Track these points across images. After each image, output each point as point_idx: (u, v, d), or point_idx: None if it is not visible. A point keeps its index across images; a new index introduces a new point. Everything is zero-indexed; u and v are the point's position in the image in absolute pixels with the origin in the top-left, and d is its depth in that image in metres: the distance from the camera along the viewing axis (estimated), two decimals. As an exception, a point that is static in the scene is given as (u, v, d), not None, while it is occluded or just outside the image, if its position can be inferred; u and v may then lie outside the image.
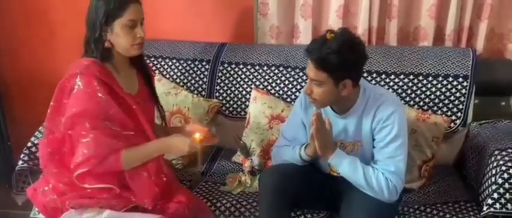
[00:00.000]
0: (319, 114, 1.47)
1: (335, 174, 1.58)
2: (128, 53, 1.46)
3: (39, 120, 1.95)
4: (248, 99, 2.14)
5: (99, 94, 1.38)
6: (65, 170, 1.45)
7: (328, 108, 1.58)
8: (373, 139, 1.50)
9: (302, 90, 1.57)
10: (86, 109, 1.38)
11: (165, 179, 1.54)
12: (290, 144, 1.65)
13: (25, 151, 1.84)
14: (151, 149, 1.47)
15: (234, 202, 1.70)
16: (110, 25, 1.40)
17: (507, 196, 1.47)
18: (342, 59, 1.37)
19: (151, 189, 1.47)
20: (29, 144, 1.86)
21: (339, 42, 1.38)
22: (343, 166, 1.48)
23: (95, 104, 1.38)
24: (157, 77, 2.22)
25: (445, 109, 1.94)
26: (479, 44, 2.09)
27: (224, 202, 1.71)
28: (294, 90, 2.11)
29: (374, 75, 2.02)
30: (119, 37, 1.42)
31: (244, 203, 1.70)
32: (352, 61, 1.41)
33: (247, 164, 1.88)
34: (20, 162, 1.83)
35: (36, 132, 1.90)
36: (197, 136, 1.43)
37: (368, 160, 1.52)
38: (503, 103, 2.02)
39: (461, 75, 1.93)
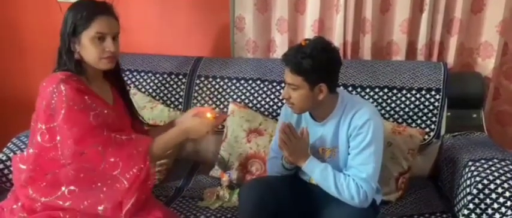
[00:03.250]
0: (287, 125, 1.52)
1: (314, 183, 1.59)
2: (97, 65, 1.43)
3: (7, 137, 1.90)
4: (226, 113, 2.13)
5: (86, 100, 1.37)
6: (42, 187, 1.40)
7: (308, 116, 1.60)
8: (349, 146, 1.52)
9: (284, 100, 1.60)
10: (88, 127, 1.35)
11: (143, 196, 1.50)
12: (278, 156, 1.66)
13: (-8, 169, 1.77)
14: (172, 138, 1.47)
15: (212, 217, 1.67)
16: (78, 37, 1.37)
17: (482, 206, 1.50)
18: (315, 63, 1.41)
19: (129, 197, 1.43)
20: (-3, 161, 1.78)
21: (313, 47, 1.43)
22: (316, 173, 1.50)
23: (86, 116, 1.35)
24: (132, 91, 2.19)
25: (419, 121, 1.98)
26: (450, 58, 2.15)
27: (202, 217, 1.68)
28: (271, 103, 2.12)
29: (350, 89, 2.04)
30: (86, 49, 1.39)
31: (222, 218, 1.67)
32: (326, 65, 1.45)
33: (225, 179, 1.86)
34: (-13, 180, 1.75)
35: (4, 149, 1.83)
36: (209, 115, 1.48)
37: (345, 165, 1.54)
38: (475, 116, 2.07)
39: (434, 88, 1.98)
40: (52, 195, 1.38)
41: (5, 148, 1.83)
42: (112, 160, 1.36)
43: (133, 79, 2.26)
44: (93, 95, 1.41)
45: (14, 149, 1.81)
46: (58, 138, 1.36)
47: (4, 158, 1.78)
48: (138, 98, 2.14)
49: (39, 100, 1.38)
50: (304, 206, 1.62)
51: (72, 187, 1.38)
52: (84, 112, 1.35)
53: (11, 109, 2.61)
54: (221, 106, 2.16)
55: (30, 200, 1.41)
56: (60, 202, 1.38)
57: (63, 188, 1.38)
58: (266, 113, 2.11)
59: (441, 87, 1.98)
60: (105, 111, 1.42)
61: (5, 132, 1.99)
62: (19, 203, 1.43)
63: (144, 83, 2.25)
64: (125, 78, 2.22)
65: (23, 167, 1.45)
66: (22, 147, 1.80)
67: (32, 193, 1.40)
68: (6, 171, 1.76)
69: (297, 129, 1.57)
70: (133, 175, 1.37)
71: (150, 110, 2.12)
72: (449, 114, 2.03)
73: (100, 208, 1.37)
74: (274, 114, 2.10)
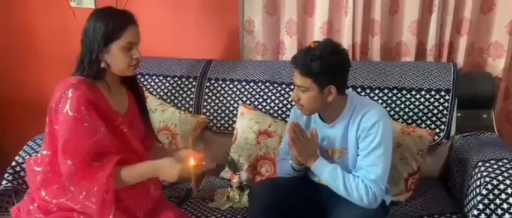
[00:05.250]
0: (296, 124, 1.53)
1: (323, 184, 1.60)
2: (123, 73, 1.46)
3: (23, 140, 1.95)
4: (235, 115, 2.16)
5: (86, 119, 1.35)
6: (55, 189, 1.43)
7: (317, 117, 1.61)
8: (358, 147, 1.53)
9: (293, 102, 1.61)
10: (70, 139, 1.34)
11: (157, 193, 1.52)
12: (287, 157, 1.67)
13: (9, 171, 1.82)
14: (140, 171, 1.43)
15: (222, 218, 1.70)
16: (107, 46, 1.39)
17: (492, 206, 1.50)
18: (324, 65, 1.42)
19: (145, 203, 1.46)
20: (14, 163, 1.83)
21: (322, 49, 1.44)
22: (325, 174, 1.52)
23: (80, 133, 1.35)
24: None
25: (428, 122, 1.97)
26: (460, 59, 2.15)
27: (212, 218, 1.71)
28: (280, 105, 2.13)
29: (359, 90, 2.05)
30: (115, 58, 1.41)
31: (232, 219, 1.70)
32: (335, 67, 1.46)
33: (235, 180, 1.88)
34: (4, 182, 1.80)
35: (21, 151, 1.87)
36: (191, 163, 1.38)
37: (354, 167, 1.55)
38: (485, 116, 2.06)
39: (444, 88, 1.98)
40: (63, 197, 1.41)
41: (21, 151, 1.87)
42: (72, 189, 1.38)
43: (145, 83, 2.30)
44: (100, 108, 1.40)
45: (30, 152, 1.86)
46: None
47: (20, 160, 1.83)
48: (149, 101, 2.17)
49: (51, 103, 1.41)
50: (314, 207, 1.63)
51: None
52: (78, 124, 1.34)
53: (26, 112, 2.66)
54: (231, 108, 2.19)
55: (45, 202, 1.44)
56: (71, 204, 1.41)
57: (72, 190, 1.40)
58: (275, 115, 2.13)
59: (451, 87, 1.98)
60: (101, 130, 1.38)
61: (21, 134, 2.04)
62: (35, 205, 1.46)
63: (156, 86, 2.29)
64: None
65: (38, 169, 1.48)
66: (37, 149, 1.85)
67: (45, 195, 1.43)
68: (22, 173, 1.81)
69: (306, 131, 1.59)
70: (96, 201, 1.37)
71: (161, 113, 2.16)
72: (459, 114, 2.02)
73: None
74: (283, 115, 2.12)
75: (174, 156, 1.50)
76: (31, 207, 1.47)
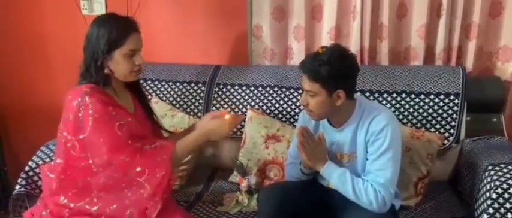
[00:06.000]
0: (305, 128, 1.55)
1: (332, 187, 1.60)
2: (126, 79, 1.49)
3: (36, 146, 1.98)
4: (244, 119, 2.17)
5: (113, 115, 1.42)
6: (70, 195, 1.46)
7: (325, 122, 1.62)
8: (367, 151, 1.53)
9: (301, 107, 1.63)
10: (110, 139, 1.41)
11: (165, 196, 1.54)
12: (295, 161, 1.68)
13: (22, 176, 1.84)
14: (192, 140, 1.52)
15: (231, 222, 1.71)
16: (111, 53, 1.42)
17: (502, 210, 1.49)
18: (333, 70, 1.43)
19: (155, 205, 1.47)
20: (27, 169, 1.86)
21: (330, 54, 1.45)
22: (334, 177, 1.52)
23: (113, 129, 1.41)
24: (154, 100, 2.26)
25: (438, 126, 1.97)
26: (469, 63, 2.13)
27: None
28: (288, 109, 2.14)
29: (367, 94, 2.05)
30: (118, 65, 1.44)
31: (242, 223, 1.71)
32: (343, 72, 1.46)
33: (244, 184, 1.89)
34: (18, 186, 1.83)
35: (34, 157, 1.90)
36: (227, 117, 1.53)
37: (363, 171, 1.55)
38: (495, 120, 2.05)
39: (453, 92, 1.98)
40: (82, 201, 1.44)
41: (34, 156, 1.90)
42: (138, 169, 1.42)
43: (155, 89, 2.32)
44: (116, 105, 1.46)
45: (43, 157, 1.89)
46: (88, 148, 1.42)
47: (33, 165, 1.86)
48: (159, 106, 2.20)
49: (65, 113, 1.43)
50: (323, 211, 1.63)
51: (101, 193, 1.44)
52: (109, 123, 1.41)
53: (39, 118, 2.70)
54: (239, 113, 2.20)
55: (59, 207, 1.47)
56: (88, 207, 1.43)
57: (92, 194, 1.43)
58: (284, 119, 2.14)
59: (460, 91, 1.97)
60: (129, 119, 1.47)
61: (34, 140, 2.07)
62: (48, 210, 1.49)
63: (165, 92, 2.31)
64: (147, 87, 2.30)
65: (52, 176, 1.51)
66: (50, 154, 1.88)
67: (63, 199, 1.46)
68: (35, 178, 1.83)
69: (314, 135, 1.59)
70: (156, 181, 1.42)
71: (171, 118, 2.18)
72: (468, 118, 2.02)
73: (127, 212, 1.43)
74: (291, 120, 2.13)
75: (207, 120, 1.61)
76: (44, 213, 1.50)
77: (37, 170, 1.83)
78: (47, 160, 1.85)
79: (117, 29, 1.42)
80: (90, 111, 1.38)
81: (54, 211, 1.48)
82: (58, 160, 1.48)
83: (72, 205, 1.45)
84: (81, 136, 1.41)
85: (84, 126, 1.40)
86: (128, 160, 1.41)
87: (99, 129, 1.40)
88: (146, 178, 1.42)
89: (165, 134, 1.74)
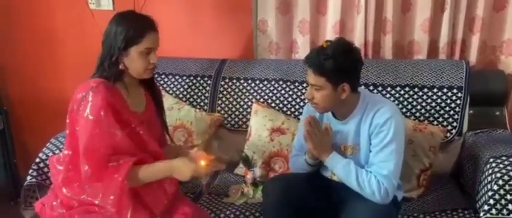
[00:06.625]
0: (313, 118, 1.57)
1: (336, 180, 1.63)
2: (140, 76, 1.51)
3: (45, 138, 2.02)
4: (249, 113, 2.20)
5: (105, 124, 1.40)
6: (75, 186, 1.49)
7: (330, 114, 1.65)
8: (370, 143, 1.55)
9: (307, 100, 1.65)
10: (88, 143, 1.40)
11: (173, 189, 1.57)
12: (300, 153, 1.71)
13: (33, 167, 1.89)
14: (156, 170, 1.47)
15: (237, 213, 1.74)
16: (127, 50, 1.44)
17: (502, 201, 1.51)
18: (337, 63, 1.45)
19: (161, 199, 1.50)
20: (37, 160, 1.90)
21: (334, 48, 1.47)
22: (338, 168, 1.55)
23: (98, 137, 1.40)
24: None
25: (441, 119, 1.99)
26: (472, 56, 2.15)
27: (227, 213, 1.75)
28: (293, 103, 2.17)
29: (371, 88, 2.07)
30: (133, 62, 1.46)
31: (247, 213, 1.74)
32: (347, 66, 1.49)
33: (249, 176, 1.92)
34: (29, 177, 1.87)
35: (44, 148, 1.95)
36: (202, 163, 1.43)
37: (366, 162, 1.58)
38: (498, 113, 2.06)
39: (456, 86, 1.99)
40: (84, 194, 1.46)
41: (45, 148, 1.94)
42: (89, 191, 1.44)
43: (162, 82, 2.36)
44: (119, 110, 1.44)
45: (53, 149, 1.93)
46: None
47: (44, 157, 1.90)
48: (166, 100, 2.21)
49: (71, 103, 1.46)
50: (326, 203, 1.66)
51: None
52: (96, 128, 1.39)
53: (48, 112, 2.74)
54: (245, 106, 2.23)
55: (68, 198, 1.50)
56: (91, 199, 1.45)
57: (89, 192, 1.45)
58: (288, 112, 2.17)
59: (463, 85, 1.99)
60: (119, 134, 1.42)
61: (44, 133, 2.11)
62: (58, 200, 1.52)
63: (172, 85, 2.35)
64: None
65: (60, 167, 1.54)
66: (60, 146, 1.92)
67: (67, 192, 1.49)
68: (45, 169, 1.88)
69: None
70: (112, 202, 1.41)
71: (178, 111, 2.21)
72: (472, 111, 2.03)
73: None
74: (296, 113, 2.16)
75: (187, 156, 1.54)
76: (54, 203, 1.53)
77: (47, 162, 1.87)
78: (57, 151, 1.89)
79: (135, 27, 1.43)
80: (87, 110, 1.40)
81: (64, 201, 1.51)
82: (66, 151, 1.52)
83: (75, 197, 1.47)
84: (77, 128, 1.44)
85: (79, 119, 1.42)
86: (88, 170, 1.40)
87: (84, 129, 1.41)
88: (101, 200, 1.42)
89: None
